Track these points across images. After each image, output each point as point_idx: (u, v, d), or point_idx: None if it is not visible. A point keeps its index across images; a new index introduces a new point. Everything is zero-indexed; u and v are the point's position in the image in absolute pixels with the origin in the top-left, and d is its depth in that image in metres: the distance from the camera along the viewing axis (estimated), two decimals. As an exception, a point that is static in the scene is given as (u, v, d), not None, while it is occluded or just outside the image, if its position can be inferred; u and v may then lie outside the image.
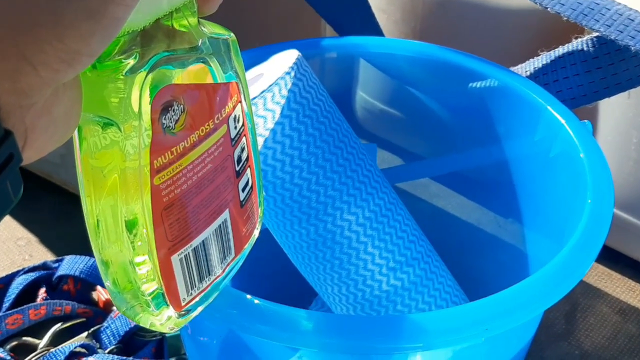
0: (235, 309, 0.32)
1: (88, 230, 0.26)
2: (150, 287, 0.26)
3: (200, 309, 0.29)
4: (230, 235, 0.30)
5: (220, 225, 0.29)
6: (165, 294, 0.27)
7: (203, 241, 0.28)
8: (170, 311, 0.27)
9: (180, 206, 0.26)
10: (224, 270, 0.30)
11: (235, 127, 0.29)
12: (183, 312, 0.28)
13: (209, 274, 0.29)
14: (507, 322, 0.31)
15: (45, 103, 0.21)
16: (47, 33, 0.20)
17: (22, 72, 0.20)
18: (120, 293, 0.27)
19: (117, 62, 0.23)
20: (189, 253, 0.27)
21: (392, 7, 0.66)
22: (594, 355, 0.57)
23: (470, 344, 0.34)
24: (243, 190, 0.30)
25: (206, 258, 0.28)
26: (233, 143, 0.29)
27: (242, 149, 0.30)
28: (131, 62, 0.24)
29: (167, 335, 0.55)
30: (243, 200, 0.30)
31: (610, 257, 0.65)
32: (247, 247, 0.32)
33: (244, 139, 0.30)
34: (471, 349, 0.36)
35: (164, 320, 0.27)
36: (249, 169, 0.31)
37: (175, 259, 0.27)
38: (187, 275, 0.27)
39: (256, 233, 0.33)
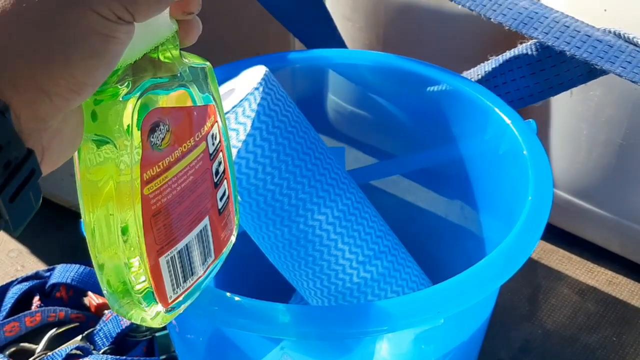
0: (217, 305, 0.36)
1: (86, 237, 0.30)
2: (141, 286, 0.30)
3: (184, 306, 0.33)
4: (210, 240, 0.34)
5: (201, 231, 0.33)
6: (155, 292, 0.30)
7: (187, 245, 0.32)
8: (159, 307, 0.31)
9: (166, 213, 0.30)
10: (205, 272, 0.34)
11: (213, 144, 0.33)
12: (170, 309, 0.32)
13: (192, 274, 0.33)
14: (460, 303, 0.36)
15: (57, 126, 0.25)
16: (60, 69, 0.24)
17: (40, 101, 0.24)
18: (114, 293, 0.30)
19: (114, 89, 0.27)
20: (174, 255, 0.31)
21: (357, 15, 0.70)
22: (555, 334, 0.61)
23: (431, 325, 0.38)
24: (221, 199, 0.34)
25: (189, 260, 0.32)
26: (211, 158, 0.33)
27: (220, 163, 0.34)
28: (124, 89, 0.28)
29: (156, 335, 0.58)
30: (221, 208, 0.34)
31: (570, 241, 0.69)
32: (225, 251, 0.36)
33: (220, 154, 0.34)
34: (432, 328, 0.40)
35: (153, 315, 0.31)
36: (225, 181, 0.34)
37: (162, 260, 0.30)
38: (173, 275, 0.31)
39: (233, 239, 0.36)
